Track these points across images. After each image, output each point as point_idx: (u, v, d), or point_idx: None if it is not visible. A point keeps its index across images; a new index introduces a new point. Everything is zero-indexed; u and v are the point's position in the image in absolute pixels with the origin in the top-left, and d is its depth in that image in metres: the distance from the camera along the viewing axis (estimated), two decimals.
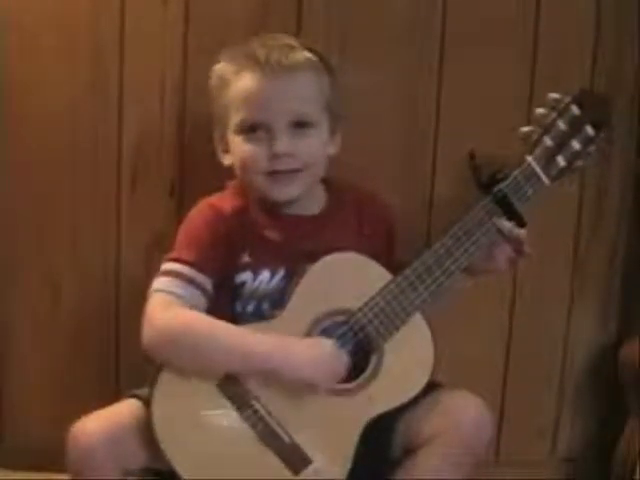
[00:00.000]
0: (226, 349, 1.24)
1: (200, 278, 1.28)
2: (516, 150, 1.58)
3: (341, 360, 1.27)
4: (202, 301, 1.29)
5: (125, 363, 1.64)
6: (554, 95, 1.33)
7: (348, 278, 1.30)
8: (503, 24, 1.60)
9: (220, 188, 1.40)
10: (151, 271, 1.57)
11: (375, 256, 1.32)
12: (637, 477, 1.56)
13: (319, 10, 1.56)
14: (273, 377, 1.24)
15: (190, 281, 1.28)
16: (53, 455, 1.46)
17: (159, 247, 1.59)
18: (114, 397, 1.57)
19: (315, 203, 1.38)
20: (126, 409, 1.26)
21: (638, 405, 1.60)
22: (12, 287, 1.64)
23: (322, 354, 1.25)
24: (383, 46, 1.59)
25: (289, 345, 1.25)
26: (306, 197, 1.35)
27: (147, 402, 1.24)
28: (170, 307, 1.26)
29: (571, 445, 1.77)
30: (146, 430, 1.22)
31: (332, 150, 1.38)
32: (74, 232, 1.61)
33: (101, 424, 1.22)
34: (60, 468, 1.28)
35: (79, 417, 1.25)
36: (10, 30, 1.55)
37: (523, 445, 1.73)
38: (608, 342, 1.72)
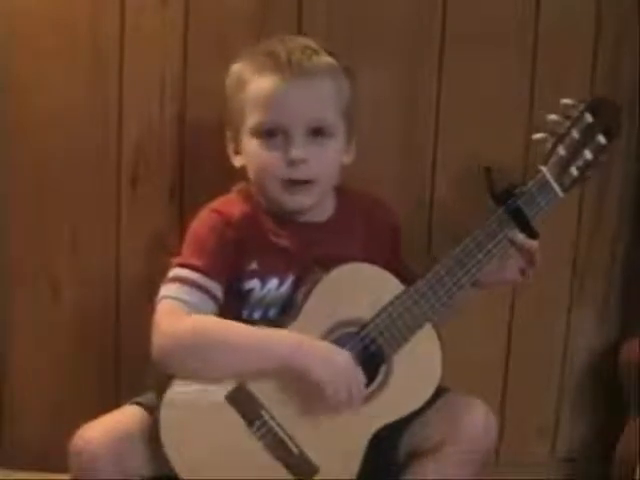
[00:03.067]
0: (242, 348, 1.22)
1: (209, 284, 1.26)
2: (518, 154, 1.59)
3: (356, 374, 1.24)
4: (211, 307, 1.26)
5: (125, 363, 1.64)
6: (566, 101, 1.32)
7: (361, 288, 1.29)
8: (503, 24, 1.60)
9: (221, 188, 1.39)
10: (151, 271, 1.58)
11: (381, 259, 1.32)
12: (637, 477, 1.56)
13: (319, 10, 1.56)
14: (288, 376, 1.22)
15: (199, 287, 1.26)
16: (53, 455, 1.46)
17: (159, 247, 1.59)
18: (114, 397, 1.58)
19: (324, 210, 1.36)
20: (129, 416, 1.24)
21: (638, 405, 1.60)
22: (12, 287, 1.63)
23: (341, 363, 1.23)
24: (383, 46, 1.59)
25: (307, 346, 1.23)
26: (316, 204, 1.33)
27: (151, 410, 1.24)
28: (179, 314, 1.24)
29: (571, 445, 1.77)
30: (150, 438, 1.21)
31: (347, 159, 1.37)
32: (74, 232, 1.61)
33: (104, 432, 1.20)
34: (60, 468, 1.28)
35: (79, 417, 1.24)
36: (10, 30, 1.55)
37: (523, 445, 1.74)
38: (608, 342, 1.72)
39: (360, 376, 1.25)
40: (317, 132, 1.29)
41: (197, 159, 1.59)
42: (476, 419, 1.29)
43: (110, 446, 1.19)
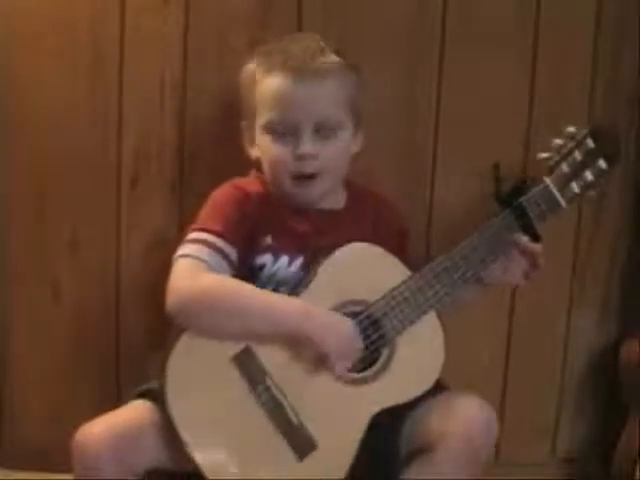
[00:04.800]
0: (254, 310, 1.25)
1: (226, 248, 1.29)
2: (518, 154, 1.59)
3: (358, 343, 1.28)
4: (227, 270, 1.29)
5: (125, 363, 1.64)
6: (570, 129, 1.35)
7: (368, 269, 1.32)
8: (503, 24, 1.60)
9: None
10: (151, 271, 1.58)
11: None
12: (637, 477, 1.56)
13: (319, 11, 1.56)
14: (295, 340, 1.25)
15: (216, 249, 1.29)
16: (53, 455, 1.46)
17: (159, 247, 1.59)
18: (114, 397, 1.58)
19: (336, 199, 1.40)
20: (132, 412, 1.26)
21: (638, 405, 1.60)
22: (12, 287, 1.63)
23: (344, 332, 1.27)
24: (383, 46, 1.59)
25: (317, 315, 1.26)
26: (328, 193, 1.37)
27: (154, 396, 1.25)
28: (197, 270, 1.27)
29: (571, 445, 1.77)
30: (153, 432, 1.22)
31: (355, 148, 1.40)
32: (74, 232, 1.61)
33: (106, 428, 1.21)
34: (60, 468, 1.28)
35: (79, 417, 1.24)
36: (10, 30, 1.55)
37: (523, 445, 1.73)
38: (608, 342, 1.72)
39: (359, 343, 1.29)
40: (324, 128, 1.33)
41: (197, 159, 1.59)
42: (477, 417, 1.29)
43: (113, 443, 1.20)
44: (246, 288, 1.27)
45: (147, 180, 1.60)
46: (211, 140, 1.57)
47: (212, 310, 1.24)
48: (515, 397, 1.72)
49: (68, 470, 1.24)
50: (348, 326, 1.28)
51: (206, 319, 1.24)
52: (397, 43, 1.59)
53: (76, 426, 1.23)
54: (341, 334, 1.27)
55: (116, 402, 1.32)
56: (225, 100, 1.45)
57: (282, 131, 1.33)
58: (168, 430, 1.22)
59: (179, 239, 1.35)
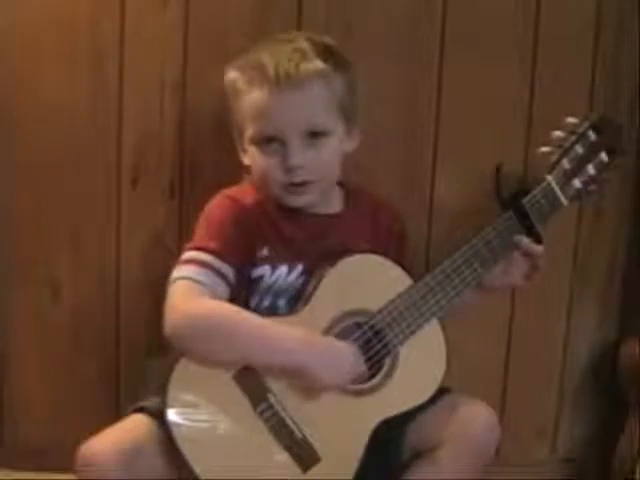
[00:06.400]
0: (251, 339, 1.23)
1: (223, 267, 1.28)
2: (517, 154, 1.59)
3: (361, 369, 1.27)
4: (225, 290, 1.28)
5: (125, 363, 1.64)
6: (572, 119, 1.35)
7: (370, 280, 1.31)
8: (503, 24, 1.60)
9: (220, 188, 1.39)
10: (151, 271, 1.58)
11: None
12: (637, 477, 1.56)
13: (319, 11, 1.56)
14: (293, 373, 1.23)
15: (213, 269, 1.27)
16: (53, 455, 1.46)
17: (159, 247, 1.59)
18: (114, 397, 1.58)
19: (332, 202, 1.39)
20: (136, 427, 1.23)
21: (638, 405, 1.60)
22: (12, 287, 1.63)
23: (344, 361, 1.25)
24: (383, 46, 1.59)
25: (315, 345, 1.25)
26: (324, 197, 1.36)
27: (155, 414, 1.23)
28: (194, 294, 1.25)
29: (571, 445, 1.77)
30: (157, 448, 1.21)
31: (350, 147, 1.38)
32: (74, 232, 1.61)
33: (113, 444, 1.19)
34: (60, 468, 1.28)
35: (79, 417, 1.25)
36: (11, 31, 1.55)
37: (523, 445, 1.74)
38: (608, 342, 1.72)
39: (363, 368, 1.27)
40: (312, 136, 1.31)
41: (197, 159, 1.59)
42: (479, 420, 1.30)
43: (119, 458, 1.18)
44: (244, 316, 1.25)
45: (147, 180, 1.60)
46: (211, 140, 1.57)
47: (209, 337, 1.23)
48: (515, 397, 1.72)
49: (68, 470, 1.23)
50: (349, 354, 1.26)
51: (202, 345, 1.22)
52: (397, 43, 1.59)
53: (76, 426, 1.23)
54: (342, 365, 1.25)
55: (116, 402, 1.32)
56: (225, 100, 1.44)
57: (269, 143, 1.31)
58: (171, 447, 1.21)
59: (179, 239, 1.35)
